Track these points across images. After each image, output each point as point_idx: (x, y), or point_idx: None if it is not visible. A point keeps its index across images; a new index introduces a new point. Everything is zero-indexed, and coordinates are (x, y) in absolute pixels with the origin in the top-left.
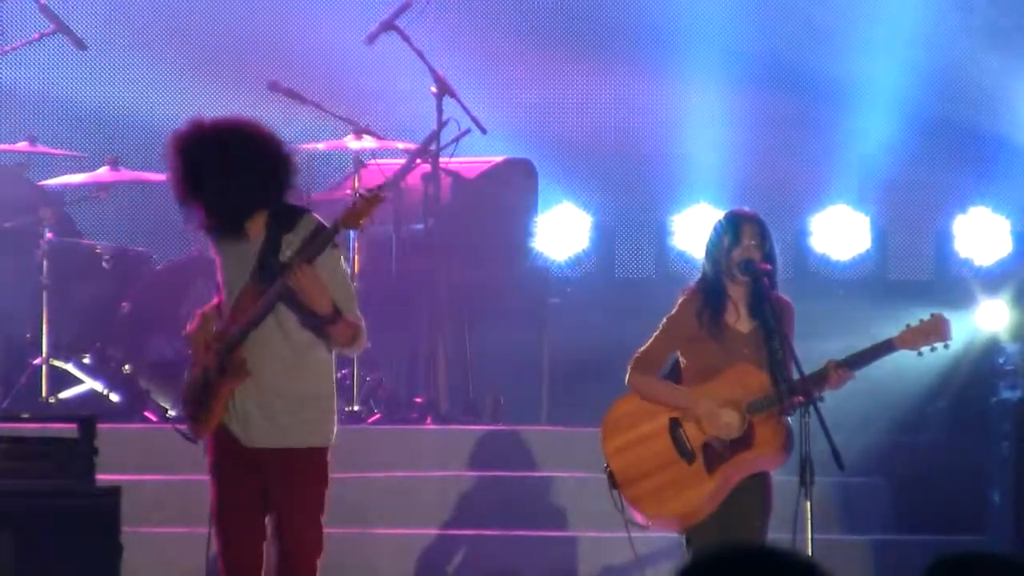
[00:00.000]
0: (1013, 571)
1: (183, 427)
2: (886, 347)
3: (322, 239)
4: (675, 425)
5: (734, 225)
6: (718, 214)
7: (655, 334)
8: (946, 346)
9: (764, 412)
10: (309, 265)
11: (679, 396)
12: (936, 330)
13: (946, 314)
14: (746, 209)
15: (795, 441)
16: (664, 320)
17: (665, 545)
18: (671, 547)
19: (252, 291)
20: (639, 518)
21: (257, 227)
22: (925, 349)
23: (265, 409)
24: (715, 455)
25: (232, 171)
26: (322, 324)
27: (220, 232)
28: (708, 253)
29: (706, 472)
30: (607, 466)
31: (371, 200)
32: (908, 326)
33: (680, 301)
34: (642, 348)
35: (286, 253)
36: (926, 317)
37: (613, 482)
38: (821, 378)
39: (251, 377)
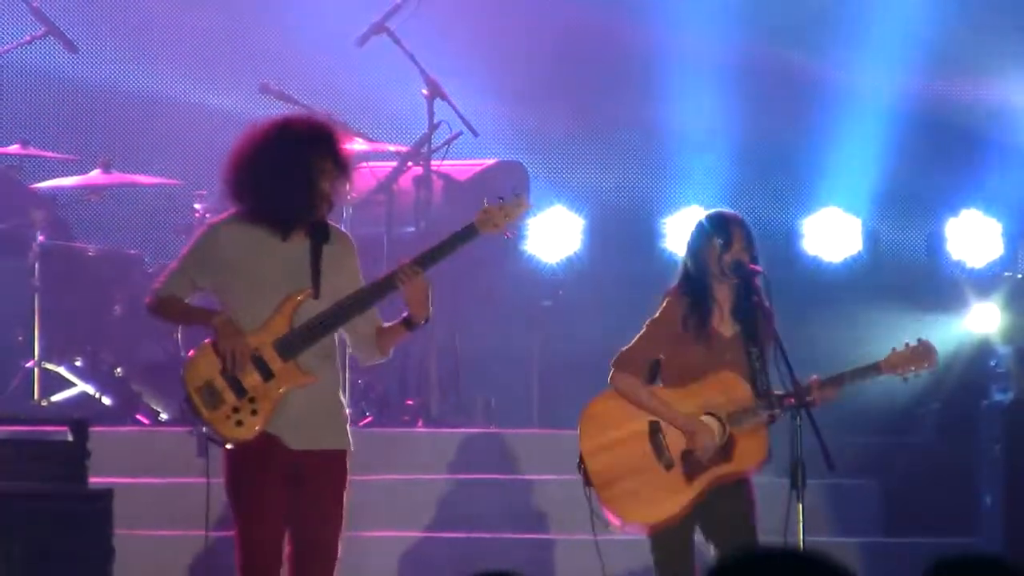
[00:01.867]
0: (1009, 575)
1: (205, 431)
2: (872, 370)
3: (451, 244)
4: (655, 430)
5: (724, 227)
6: (708, 214)
7: (639, 335)
8: (931, 372)
9: (745, 424)
10: (422, 271)
11: (662, 410)
12: (923, 356)
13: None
14: (730, 211)
15: (774, 449)
16: (648, 321)
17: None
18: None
19: (303, 297)
20: (612, 519)
21: (299, 234)
22: (910, 375)
23: (317, 412)
24: (695, 464)
25: (315, 173)
26: (407, 330)
27: (279, 227)
28: (694, 254)
29: (685, 481)
30: (581, 462)
31: (519, 204)
32: (894, 350)
33: (665, 303)
34: (625, 348)
35: (331, 264)
36: (913, 342)
37: (588, 480)
38: (804, 393)
39: (311, 379)
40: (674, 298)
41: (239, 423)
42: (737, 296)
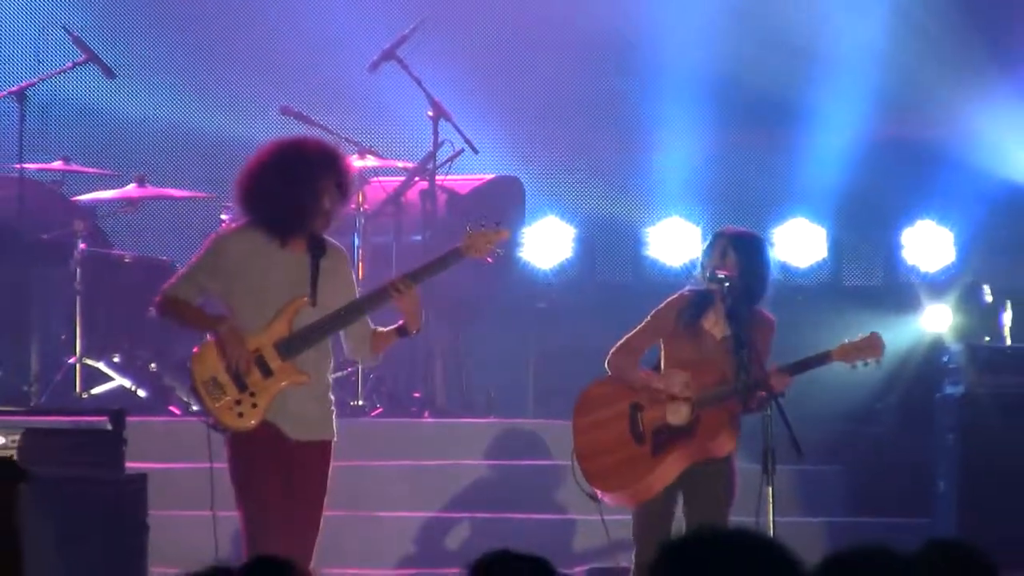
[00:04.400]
0: (898, 568)
1: (209, 420)
2: (824, 358)
3: (439, 265)
4: (635, 409)
5: (712, 241)
6: (688, 227)
7: (640, 325)
8: (877, 363)
9: (710, 406)
10: (415, 285)
11: (641, 379)
12: (870, 347)
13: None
14: (727, 228)
15: (742, 430)
16: (651, 314)
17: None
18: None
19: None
20: (587, 487)
21: (299, 245)
22: (859, 364)
23: (312, 407)
24: (663, 440)
25: (314, 188)
26: (399, 337)
27: (282, 231)
28: (700, 263)
29: (651, 455)
30: (573, 436)
31: (499, 233)
32: (845, 341)
33: (668, 299)
34: (626, 336)
35: (327, 275)
36: (865, 334)
37: (574, 455)
38: (763, 382)
39: (307, 377)
40: (678, 297)
41: (240, 415)
42: (730, 303)
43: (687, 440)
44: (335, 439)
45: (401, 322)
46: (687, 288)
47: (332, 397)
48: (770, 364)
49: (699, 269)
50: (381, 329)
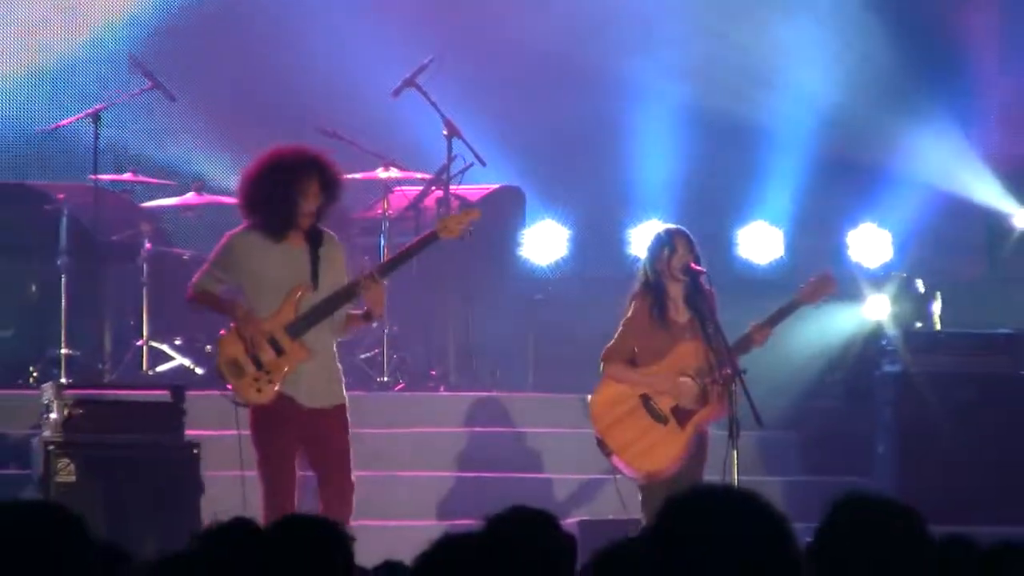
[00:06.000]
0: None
1: (232, 395)
2: (791, 305)
3: (415, 248)
4: (647, 400)
5: (670, 240)
6: (659, 231)
7: (618, 332)
8: (834, 294)
9: (709, 376)
10: (382, 279)
11: (649, 382)
12: (824, 283)
13: (841, 306)
14: (675, 226)
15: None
16: (623, 320)
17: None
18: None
19: (305, 290)
20: (631, 473)
21: (297, 238)
22: (820, 302)
23: (322, 378)
24: (684, 414)
25: (296, 189)
26: (365, 322)
27: (273, 230)
28: (651, 262)
29: (680, 429)
30: (600, 440)
31: (468, 213)
32: (802, 286)
33: (633, 305)
34: (609, 345)
35: (325, 262)
36: (816, 274)
37: (608, 451)
38: (747, 339)
39: (312, 354)
40: (639, 299)
41: (259, 390)
42: (687, 291)
43: (704, 404)
44: (346, 403)
45: (366, 308)
46: (638, 287)
47: (340, 366)
48: (749, 324)
49: (652, 264)
50: (351, 312)
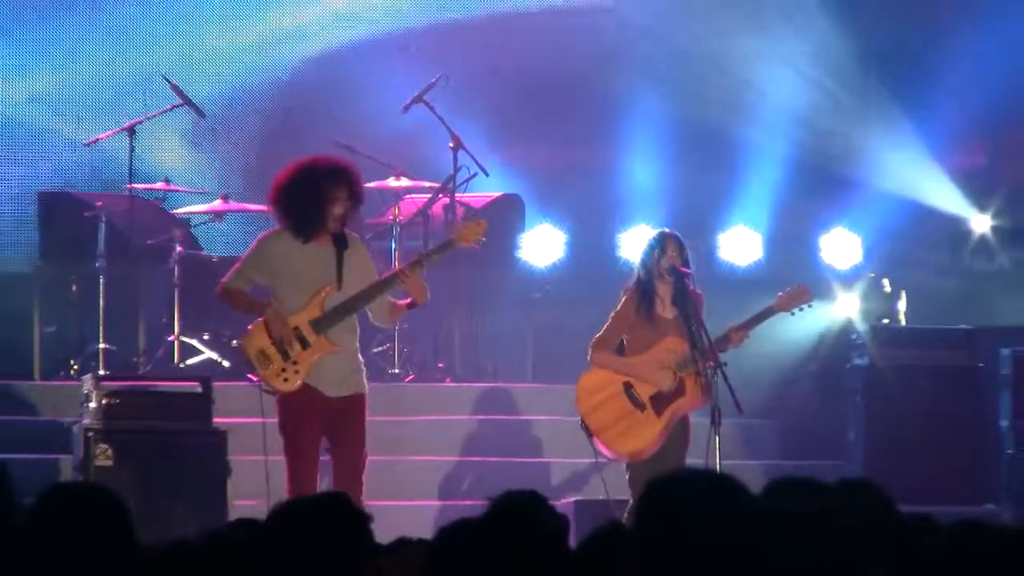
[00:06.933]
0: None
1: (261, 385)
2: (768, 311)
3: (436, 253)
4: (628, 387)
5: (661, 242)
6: (653, 233)
7: (606, 324)
8: (810, 306)
9: (687, 369)
10: (421, 270)
11: (631, 369)
12: (801, 294)
13: (815, 303)
14: (668, 230)
15: (712, 391)
16: (612, 313)
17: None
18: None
19: (331, 288)
20: (609, 454)
21: (325, 241)
22: (796, 310)
23: (344, 369)
24: (661, 402)
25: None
26: (411, 308)
27: (304, 233)
28: (642, 263)
29: (655, 415)
30: (583, 421)
31: (480, 223)
32: (779, 293)
33: (623, 299)
34: (597, 335)
35: (350, 263)
36: (794, 286)
37: (589, 432)
38: (725, 339)
39: (338, 347)
40: (629, 295)
41: (285, 379)
42: (674, 291)
43: (680, 398)
44: (367, 393)
45: (409, 299)
46: (631, 284)
47: (361, 359)
48: (727, 325)
49: (644, 264)
50: (397, 302)
